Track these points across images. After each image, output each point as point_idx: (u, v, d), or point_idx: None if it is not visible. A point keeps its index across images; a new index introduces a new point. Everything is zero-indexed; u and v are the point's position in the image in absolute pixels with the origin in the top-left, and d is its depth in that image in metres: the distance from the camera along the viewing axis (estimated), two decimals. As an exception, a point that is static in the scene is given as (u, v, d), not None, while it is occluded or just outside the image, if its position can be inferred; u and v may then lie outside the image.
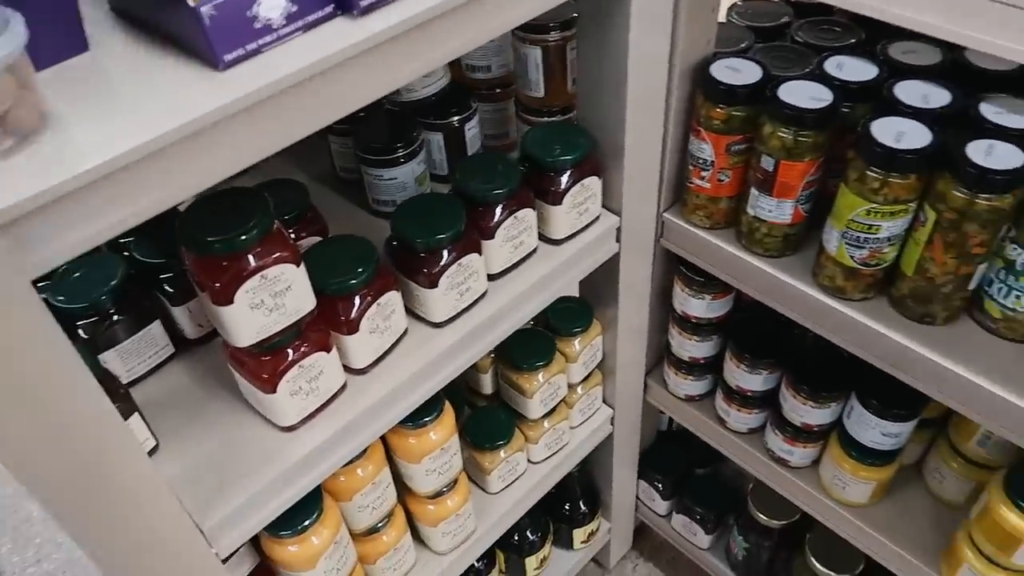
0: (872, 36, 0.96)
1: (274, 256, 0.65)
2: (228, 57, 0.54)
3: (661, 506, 1.49)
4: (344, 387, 0.79)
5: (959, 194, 0.76)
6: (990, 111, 0.81)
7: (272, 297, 0.66)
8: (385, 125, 0.95)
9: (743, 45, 0.99)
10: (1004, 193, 0.75)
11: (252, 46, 0.55)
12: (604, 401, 1.24)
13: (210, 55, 0.53)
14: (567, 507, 1.40)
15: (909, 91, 0.85)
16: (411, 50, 0.60)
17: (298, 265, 0.67)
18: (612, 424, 1.27)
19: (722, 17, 1.06)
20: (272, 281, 0.65)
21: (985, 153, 0.76)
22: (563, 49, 0.92)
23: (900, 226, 0.83)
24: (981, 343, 0.85)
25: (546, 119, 0.98)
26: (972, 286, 0.84)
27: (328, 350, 0.74)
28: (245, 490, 0.71)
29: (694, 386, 1.23)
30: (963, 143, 0.77)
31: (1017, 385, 0.80)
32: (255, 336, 0.68)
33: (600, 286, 1.08)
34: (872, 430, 1.01)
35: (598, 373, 1.19)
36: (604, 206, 0.97)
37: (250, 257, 0.64)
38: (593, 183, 0.91)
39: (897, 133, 0.79)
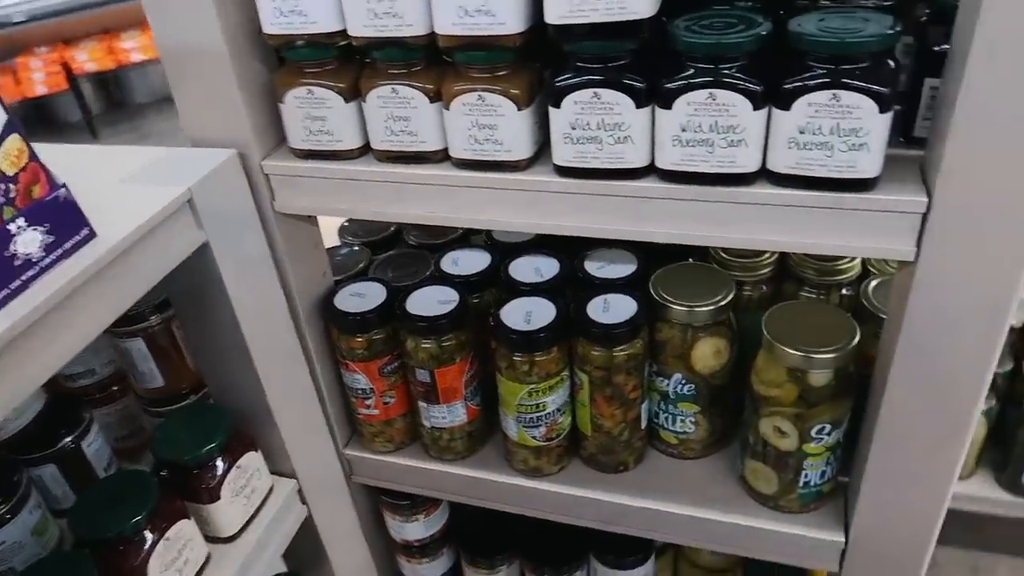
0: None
1: None
2: None
3: None
4: None
5: (598, 354, 0.80)
6: (594, 268, 0.87)
7: None
8: (-28, 481, 0.76)
9: (362, 265, 0.98)
10: (634, 340, 0.80)
11: None
12: (356, 666, 1.09)
13: None
14: None
15: (523, 270, 0.88)
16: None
17: None
18: None
19: (335, 240, 1.05)
20: None
21: (603, 309, 0.80)
22: (169, 330, 0.83)
23: (563, 395, 0.84)
24: (670, 471, 0.88)
25: (176, 406, 0.86)
26: (644, 425, 0.87)
27: None
28: None
29: (443, 608, 1.13)
30: (583, 305, 0.81)
31: (709, 501, 0.84)
32: None
33: (305, 552, 0.96)
34: (617, 583, 1.00)
35: (337, 641, 1.04)
36: (276, 472, 0.86)
37: None
38: (251, 460, 0.81)
39: (526, 314, 0.81)
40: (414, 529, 1.02)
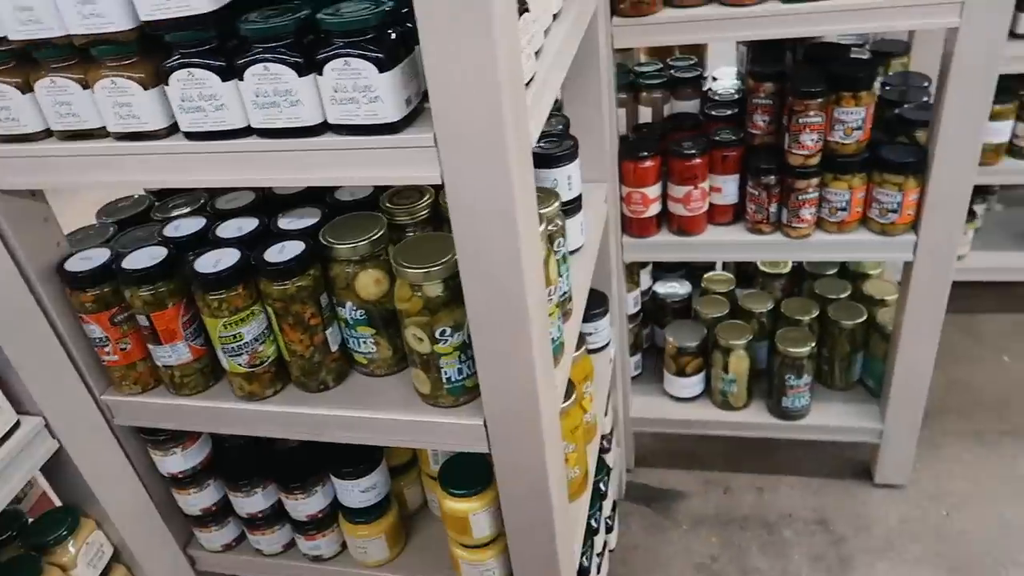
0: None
1: None
2: None
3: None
4: None
5: (275, 288, 0.98)
6: (284, 223, 1.06)
7: None
8: None
9: (108, 236, 1.15)
10: (304, 274, 0.98)
11: None
12: (144, 592, 1.25)
13: None
14: None
15: (228, 228, 1.07)
16: None
17: None
18: (166, 609, 1.27)
19: (92, 220, 1.22)
20: None
21: (278, 253, 0.99)
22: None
23: (258, 327, 1.02)
24: (365, 386, 1.07)
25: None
26: (335, 348, 1.06)
27: None
28: None
29: (221, 535, 1.30)
30: (264, 250, 0.99)
31: (388, 406, 1.03)
32: None
33: (69, 485, 1.12)
34: (354, 492, 1.18)
35: (119, 567, 1.20)
36: (23, 412, 1.03)
37: None
38: (-15, 397, 0.97)
39: (215, 261, 0.99)
40: (175, 462, 1.19)
